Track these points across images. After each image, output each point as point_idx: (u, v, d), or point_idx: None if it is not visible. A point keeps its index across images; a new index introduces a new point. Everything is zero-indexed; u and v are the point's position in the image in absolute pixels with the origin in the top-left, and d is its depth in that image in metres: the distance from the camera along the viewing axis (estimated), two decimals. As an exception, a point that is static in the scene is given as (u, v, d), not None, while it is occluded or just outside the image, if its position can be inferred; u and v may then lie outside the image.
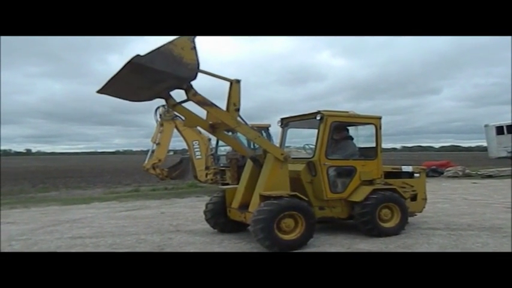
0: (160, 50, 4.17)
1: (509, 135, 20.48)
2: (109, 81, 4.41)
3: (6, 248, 5.30)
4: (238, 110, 5.45)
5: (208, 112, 5.28)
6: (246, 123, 5.55)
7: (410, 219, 6.27)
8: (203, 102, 5.02)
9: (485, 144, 23.06)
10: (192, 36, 4.37)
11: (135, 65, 4.01)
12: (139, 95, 4.99)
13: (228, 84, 5.34)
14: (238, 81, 5.45)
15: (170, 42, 4.23)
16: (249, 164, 6.05)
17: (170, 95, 4.96)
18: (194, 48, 4.39)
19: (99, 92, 4.65)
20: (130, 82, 4.43)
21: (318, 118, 5.79)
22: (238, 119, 5.34)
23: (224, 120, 5.25)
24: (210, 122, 5.51)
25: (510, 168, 18.50)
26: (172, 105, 5.05)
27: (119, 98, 5.03)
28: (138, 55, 4.00)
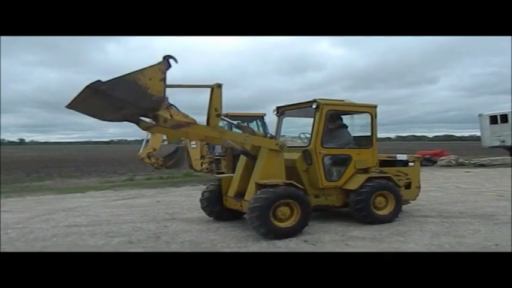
0: (125, 78, 4.06)
1: (503, 124, 20.63)
2: (74, 99, 4.26)
3: (2, 236, 5.31)
4: (219, 115, 5.44)
5: (187, 133, 5.15)
6: (232, 124, 5.46)
7: (404, 207, 6.36)
8: (178, 126, 4.89)
9: (478, 133, 23.23)
10: (165, 67, 4.27)
11: (94, 90, 3.90)
12: (106, 115, 4.84)
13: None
14: (219, 86, 5.42)
15: (139, 71, 4.13)
16: (242, 158, 6.06)
17: (140, 119, 4.80)
18: (163, 79, 4.28)
19: (67, 107, 4.50)
20: (94, 104, 4.29)
21: (314, 107, 5.80)
22: (221, 124, 5.28)
23: (206, 134, 5.22)
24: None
25: (504, 157, 18.74)
26: (146, 127, 4.89)
27: (87, 115, 4.84)
28: (99, 80, 3.90)
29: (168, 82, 4.41)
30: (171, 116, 12.05)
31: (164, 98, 4.38)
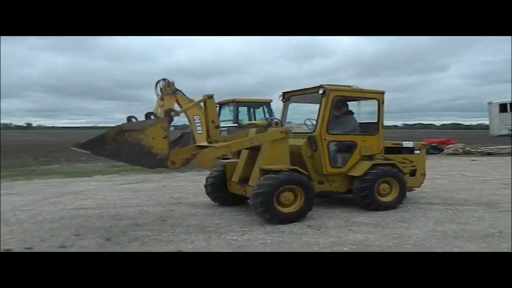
0: (128, 140, 4.09)
1: (512, 113, 20.41)
2: (81, 147, 4.45)
3: (11, 218, 5.42)
4: (218, 126, 5.61)
5: (199, 162, 5.33)
6: (241, 125, 5.58)
7: (408, 194, 6.35)
8: (187, 161, 4.94)
9: (486, 122, 23.05)
10: (167, 123, 4.33)
11: (98, 155, 4.07)
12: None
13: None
14: (210, 97, 5.49)
15: (141, 131, 4.15)
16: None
17: None
18: (166, 136, 4.31)
19: (73, 146, 4.69)
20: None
21: (320, 92, 5.76)
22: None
23: (215, 155, 5.36)
24: None
25: (510, 146, 18.54)
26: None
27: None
28: (103, 147, 3.98)
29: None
30: (177, 101, 12.03)
31: (168, 155, 4.41)
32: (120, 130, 5.75)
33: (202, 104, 5.83)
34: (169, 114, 5.04)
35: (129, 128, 5.60)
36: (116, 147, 4.01)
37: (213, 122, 5.61)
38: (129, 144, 4.08)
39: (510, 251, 3.92)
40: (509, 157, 15.41)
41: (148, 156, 4.19)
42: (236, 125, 11.60)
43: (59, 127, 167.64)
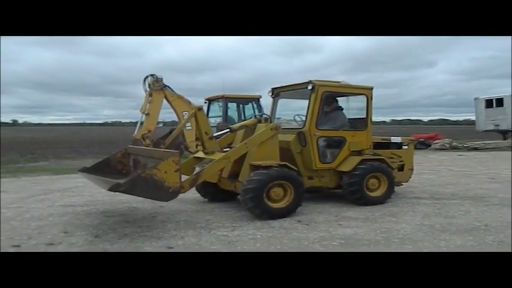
0: (142, 175, 4.25)
1: (498, 108, 20.71)
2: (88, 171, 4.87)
3: (-3, 216, 5.33)
4: (212, 137, 5.68)
5: (205, 179, 5.37)
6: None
7: (396, 188, 6.44)
8: (193, 182, 5.09)
9: (473, 118, 23.30)
10: (178, 157, 4.44)
11: (113, 191, 4.19)
12: None
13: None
14: (200, 109, 5.56)
15: (154, 167, 4.30)
16: (239, 135, 6.07)
17: None
18: (178, 170, 4.41)
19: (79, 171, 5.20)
20: None
21: (309, 88, 5.78)
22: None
23: (218, 168, 5.39)
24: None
25: (497, 141, 18.93)
26: None
27: None
28: (118, 183, 4.13)
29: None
30: (165, 97, 11.93)
31: (180, 187, 4.56)
32: (125, 153, 5.87)
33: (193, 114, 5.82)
34: (179, 147, 5.14)
35: (135, 152, 5.72)
36: (131, 184, 4.18)
37: (206, 133, 5.64)
38: (142, 179, 4.23)
39: (495, 243, 4.01)
40: (495, 152, 15.73)
41: (162, 190, 4.31)
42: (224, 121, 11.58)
43: (46, 124, 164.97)
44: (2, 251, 3.85)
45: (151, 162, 4.94)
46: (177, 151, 4.78)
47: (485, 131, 21.88)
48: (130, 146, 5.99)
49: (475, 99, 22.24)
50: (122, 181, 4.21)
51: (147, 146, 11.64)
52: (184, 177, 5.02)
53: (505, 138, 20.57)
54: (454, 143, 18.65)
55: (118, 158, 5.88)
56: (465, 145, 18.37)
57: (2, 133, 46.01)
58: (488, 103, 21.35)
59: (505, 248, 3.83)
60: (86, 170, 5.58)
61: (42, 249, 3.94)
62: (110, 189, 4.15)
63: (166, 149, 6.08)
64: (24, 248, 3.94)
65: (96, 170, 5.55)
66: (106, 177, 5.22)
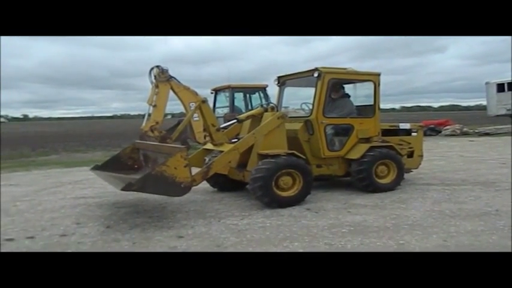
0: (152, 174, 4.26)
1: (510, 92, 20.34)
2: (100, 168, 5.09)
3: (11, 209, 5.44)
4: (219, 129, 5.69)
5: (215, 171, 5.35)
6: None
7: (406, 175, 6.40)
8: (205, 175, 5.11)
9: (484, 103, 23.02)
10: (186, 152, 4.46)
11: (126, 190, 4.22)
12: None
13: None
14: (204, 101, 5.53)
15: (163, 164, 4.30)
16: (245, 125, 6.07)
17: None
18: (188, 165, 4.42)
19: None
20: None
21: (316, 75, 5.72)
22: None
23: (228, 159, 5.36)
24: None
25: (509, 126, 18.59)
26: None
27: None
28: (130, 183, 4.15)
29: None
30: (172, 88, 11.98)
31: (192, 181, 4.56)
32: (134, 148, 5.93)
33: (198, 107, 5.86)
34: (186, 142, 5.12)
35: (143, 147, 5.77)
36: (143, 182, 4.20)
37: (213, 125, 5.66)
38: (153, 176, 4.25)
39: (506, 228, 3.97)
40: (507, 137, 15.48)
41: (173, 186, 4.34)
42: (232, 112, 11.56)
43: (56, 118, 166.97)
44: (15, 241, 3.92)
45: (161, 157, 4.97)
46: (183, 146, 4.81)
47: (497, 115, 21.54)
48: (138, 141, 6.02)
49: (486, 83, 21.87)
50: (133, 181, 4.25)
51: (156, 138, 11.76)
52: (195, 170, 5.07)
53: (516, 123, 20.23)
54: (465, 129, 18.40)
55: (128, 153, 5.94)
56: (476, 130, 18.11)
57: (13, 127, 46.58)
58: (500, 87, 20.99)
59: (517, 233, 3.80)
60: (98, 168, 5.66)
61: (56, 240, 4.02)
62: (123, 189, 4.19)
63: (173, 142, 6.12)
64: (39, 239, 4.03)
65: (107, 167, 5.61)
66: (118, 173, 5.28)
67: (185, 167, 4.41)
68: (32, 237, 4.10)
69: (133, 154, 5.95)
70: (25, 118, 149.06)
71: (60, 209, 5.38)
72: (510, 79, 20.63)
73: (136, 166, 5.88)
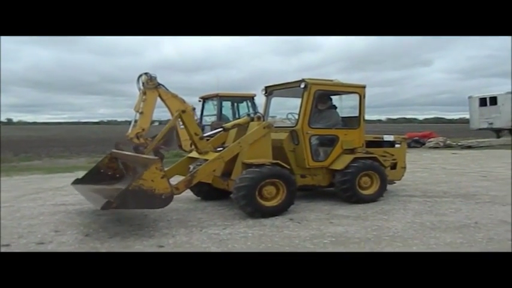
0: (129, 189, 4.19)
1: (492, 107, 20.83)
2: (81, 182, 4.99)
3: (-12, 215, 5.29)
4: (202, 138, 5.65)
5: (200, 180, 5.32)
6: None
7: (389, 186, 6.46)
8: (188, 184, 5.08)
9: (467, 116, 23.40)
10: (160, 163, 4.38)
11: (106, 209, 4.15)
12: None
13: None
14: (184, 111, 5.51)
15: (139, 177, 4.24)
16: (231, 133, 6.06)
17: None
18: (164, 176, 4.36)
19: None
20: None
21: (302, 86, 5.78)
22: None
23: (212, 169, 5.34)
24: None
25: (490, 139, 19.04)
26: None
27: None
28: (109, 201, 4.08)
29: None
30: (159, 96, 11.89)
31: (172, 191, 4.50)
32: (112, 157, 5.87)
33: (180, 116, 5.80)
34: (159, 152, 5.03)
35: (121, 157, 5.70)
36: (121, 199, 4.15)
37: (196, 134, 5.62)
38: (131, 192, 4.19)
39: (484, 241, 4.03)
40: (488, 150, 15.84)
41: (154, 198, 4.29)
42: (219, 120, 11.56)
43: (41, 122, 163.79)
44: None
45: (139, 166, 4.89)
46: (157, 157, 4.76)
47: (479, 129, 22.01)
48: (114, 150, 5.95)
49: (469, 97, 22.34)
50: (112, 198, 4.17)
51: (142, 145, 11.64)
52: (180, 178, 5.02)
53: (498, 137, 20.72)
54: (448, 142, 18.76)
55: (106, 163, 5.89)
56: (459, 143, 18.48)
57: (-4, 132, 45.50)
58: (482, 101, 21.46)
59: (494, 245, 3.87)
60: (79, 182, 5.58)
61: (32, 248, 3.92)
62: (103, 208, 4.11)
63: (153, 150, 6.04)
64: (14, 247, 3.93)
65: (89, 180, 5.53)
66: (100, 184, 5.18)
67: (162, 178, 4.34)
68: (7, 245, 3.98)
69: (112, 164, 5.89)
70: (9, 122, 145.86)
71: (38, 216, 5.26)
72: (492, 94, 21.17)
73: (118, 175, 5.80)
